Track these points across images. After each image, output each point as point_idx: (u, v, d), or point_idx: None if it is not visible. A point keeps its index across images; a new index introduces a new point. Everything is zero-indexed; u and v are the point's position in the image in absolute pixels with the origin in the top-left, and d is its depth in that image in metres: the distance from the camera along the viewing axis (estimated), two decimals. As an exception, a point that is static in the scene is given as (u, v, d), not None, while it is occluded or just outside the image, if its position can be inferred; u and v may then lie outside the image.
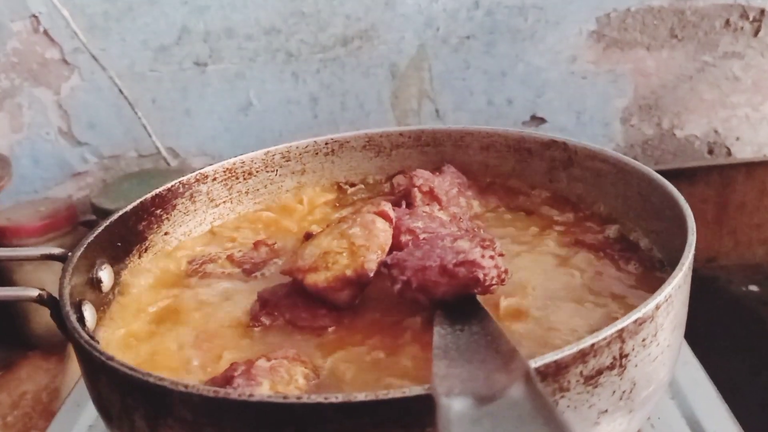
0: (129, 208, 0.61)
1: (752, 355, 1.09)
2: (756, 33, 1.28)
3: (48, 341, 1.22)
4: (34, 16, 1.24)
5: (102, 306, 0.57)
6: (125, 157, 1.34)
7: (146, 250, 0.64)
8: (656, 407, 0.62)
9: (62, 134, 1.31)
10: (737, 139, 1.35)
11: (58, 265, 1.14)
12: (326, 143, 0.76)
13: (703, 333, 0.72)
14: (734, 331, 1.15)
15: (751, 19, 1.27)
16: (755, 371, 1.06)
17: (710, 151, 1.36)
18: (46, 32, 1.25)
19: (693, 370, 0.68)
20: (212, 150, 1.34)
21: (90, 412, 0.68)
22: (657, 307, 0.41)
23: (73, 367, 1.01)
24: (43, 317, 1.23)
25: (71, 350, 1.05)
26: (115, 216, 0.60)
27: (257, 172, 0.73)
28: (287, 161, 0.75)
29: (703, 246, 1.32)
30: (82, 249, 0.54)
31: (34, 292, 0.50)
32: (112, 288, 0.59)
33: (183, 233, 0.68)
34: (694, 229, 0.48)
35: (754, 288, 1.28)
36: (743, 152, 1.36)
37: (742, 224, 1.33)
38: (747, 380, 1.04)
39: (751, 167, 1.31)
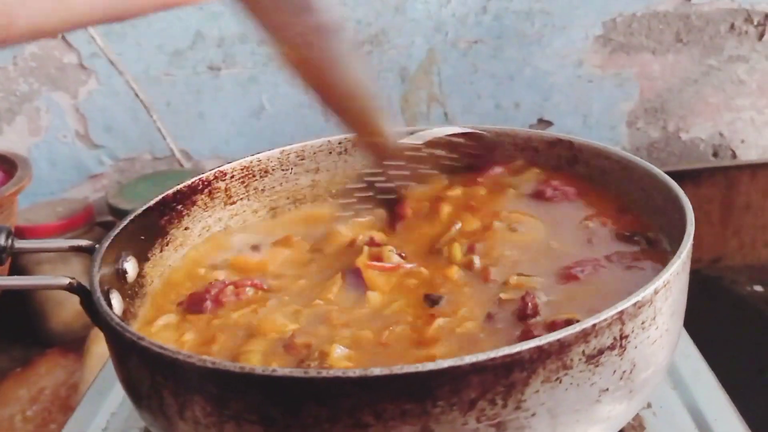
0: (152, 202, 0.64)
1: (757, 354, 1.11)
2: (760, 37, 1.30)
3: (66, 339, 1.25)
4: (53, 21, 1.27)
5: (126, 296, 0.60)
6: (140, 160, 1.37)
7: (167, 244, 0.67)
8: (658, 397, 0.65)
9: (79, 137, 1.35)
10: (742, 141, 1.37)
11: (66, 265, 1.16)
12: (339, 142, 0.78)
13: (708, 332, 0.74)
14: (739, 331, 1.17)
15: (755, 23, 1.29)
16: (760, 370, 1.08)
17: (715, 154, 1.38)
18: (63, 37, 1.28)
19: (694, 362, 0.70)
20: (225, 153, 1.37)
21: (112, 401, 0.71)
22: (655, 292, 0.44)
23: (92, 363, 1.03)
24: (61, 315, 1.26)
25: (90, 346, 1.09)
26: (140, 210, 0.63)
27: (273, 170, 0.76)
28: (302, 160, 0.77)
29: (708, 247, 1.34)
30: (109, 240, 0.57)
31: (65, 281, 0.52)
32: (136, 279, 0.62)
33: (202, 228, 0.70)
34: (693, 220, 0.51)
35: (758, 288, 1.30)
36: (748, 154, 1.38)
37: (747, 225, 1.34)
38: (752, 378, 1.05)
39: (756, 169, 1.33)
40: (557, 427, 0.42)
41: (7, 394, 1.17)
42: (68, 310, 1.27)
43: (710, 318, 0.79)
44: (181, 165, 1.36)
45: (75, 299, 1.24)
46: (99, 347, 1.06)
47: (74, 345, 1.20)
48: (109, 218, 1.28)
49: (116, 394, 0.71)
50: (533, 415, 0.41)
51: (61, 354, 1.24)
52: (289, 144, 0.78)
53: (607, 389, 0.43)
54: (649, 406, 0.64)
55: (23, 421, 1.11)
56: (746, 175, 1.34)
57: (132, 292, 0.60)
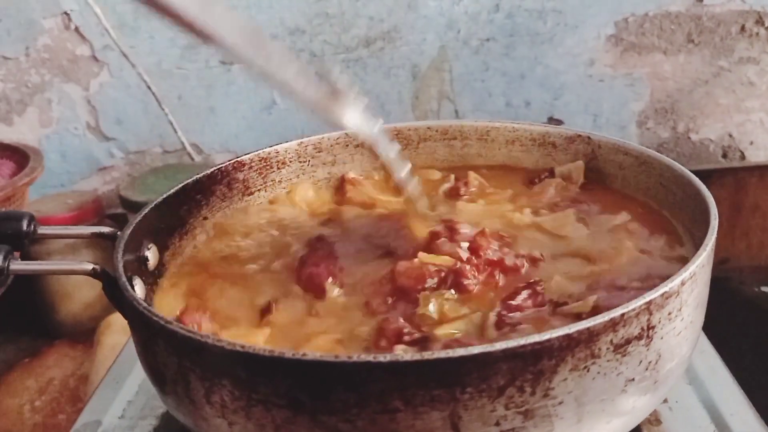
0: (172, 191, 0.64)
1: (765, 353, 1.11)
2: (771, 39, 1.31)
3: (74, 330, 1.25)
4: (66, 13, 1.27)
5: (147, 284, 0.60)
6: (150, 153, 1.37)
7: (186, 233, 0.67)
8: (675, 392, 0.65)
9: (90, 129, 1.35)
10: (751, 143, 1.38)
11: (76, 257, 1.16)
12: (357, 136, 0.78)
13: (716, 332, 0.74)
14: (747, 331, 1.17)
15: (766, 25, 1.29)
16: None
17: (724, 155, 1.38)
18: (77, 29, 1.28)
19: (709, 358, 0.70)
20: (235, 147, 1.37)
21: (128, 389, 0.71)
22: (682, 283, 0.44)
23: (103, 353, 1.04)
24: (69, 306, 1.26)
25: (101, 337, 1.09)
26: (160, 198, 0.63)
27: (290, 161, 0.76)
28: (319, 152, 0.78)
29: (716, 247, 1.34)
30: (131, 227, 0.57)
31: (89, 266, 0.52)
32: (156, 267, 0.62)
33: (220, 217, 0.71)
34: (716, 214, 0.51)
35: (766, 289, 1.30)
36: (757, 156, 1.38)
37: (755, 226, 1.35)
38: (761, 377, 1.05)
39: (764, 170, 1.33)
40: (583, 416, 0.43)
41: (16, 385, 1.17)
42: (76, 301, 1.27)
43: (718, 319, 0.79)
44: (192, 158, 1.36)
45: (83, 291, 1.24)
46: (110, 338, 1.06)
47: (82, 336, 1.20)
48: (119, 210, 1.28)
49: (132, 383, 0.71)
50: (560, 403, 0.41)
51: (69, 345, 1.24)
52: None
53: (633, 379, 0.44)
54: (665, 401, 0.64)
55: (32, 411, 1.11)
56: (755, 176, 1.34)
57: (152, 280, 0.61)
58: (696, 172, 0.60)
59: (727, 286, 1.31)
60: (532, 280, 0.52)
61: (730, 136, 1.37)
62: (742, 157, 1.38)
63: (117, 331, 1.05)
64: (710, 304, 0.55)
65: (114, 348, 0.97)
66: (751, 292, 1.30)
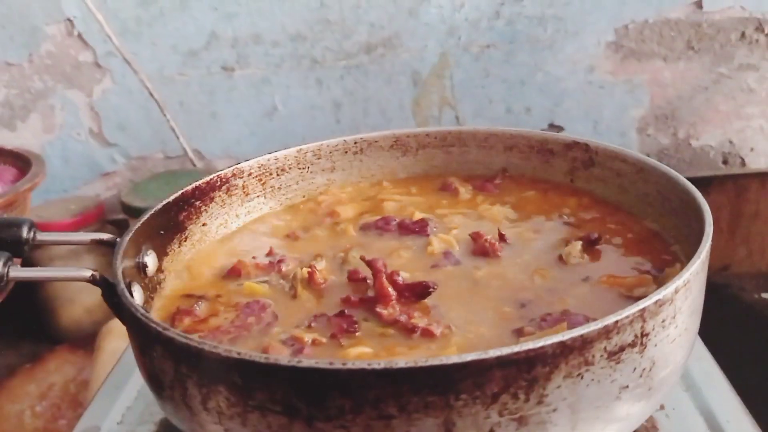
0: (172, 198, 0.65)
1: (764, 360, 1.11)
2: (771, 46, 1.31)
3: (75, 335, 1.26)
4: (69, 20, 1.28)
5: (146, 290, 0.60)
6: (152, 158, 1.38)
7: (186, 239, 0.67)
8: (671, 399, 0.65)
9: (93, 135, 1.36)
10: (751, 149, 1.38)
11: (78, 262, 1.17)
12: (355, 142, 0.79)
13: (715, 339, 0.74)
14: (747, 338, 1.17)
15: (766, 32, 1.30)
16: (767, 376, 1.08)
17: (725, 161, 1.38)
18: (80, 36, 1.29)
19: (706, 365, 0.70)
20: (237, 153, 1.38)
21: (127, 395, 0.71)
22: (676, 291, 0.44)
23: (104, 359, 1.04)
24: (70, 312, 1.27)
25: (101, 343, 1.09)
26: (160, 205, 0.63)
27: (290, 168, 0.76)
28: (318, 159, 0.78)
29: (717, 254, 1.34)
30: (130, 234, 0.57)
31: (87, 273, 0.53)
32: (156, 273, 0.62)
33: (219, 224, 0.71)
34: (711, 221, 0.51)
35: (766, 296, 1.30)
36: (757, 163, 1.38)
37: (756, 233, 1.35)
38: (760, 384, 1.06)
39: (764, 177, 1.34)
40: (577, 423, 0.43)
41: (17, 390, 1.17)
42: (77, 307, 1.27)
43: (718, 325, 0.79)
44: (194, 164, 1.36)
45: (84, 297, 1.25)
46: (110, 343, 1.06)
47: (83, 342, 1.20)
48: (121, 216, 1.28)
49: (131, 389, 0.71)
50: (554, 410, 0.41)
51: (70, 350, 1.24)
52: (300, 145, 0.78)
53: (627, 386, 0.44)
54: (662, 408, 0.64)
55: (32, 417, 1.12)
56: (755, 183, 1.34)
57: (151, 285, 0.61)
58: (696, 179, 0.60)
59: (727, 293, 1.31)
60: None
61: (731, 142, 1.37)
62: (743, 163, 1.38)
63: (118, 336, 1.05)
64: (710, 311, 0.55)
65: (115, 353, 0.97)
66: (751, 299, 1.30)
